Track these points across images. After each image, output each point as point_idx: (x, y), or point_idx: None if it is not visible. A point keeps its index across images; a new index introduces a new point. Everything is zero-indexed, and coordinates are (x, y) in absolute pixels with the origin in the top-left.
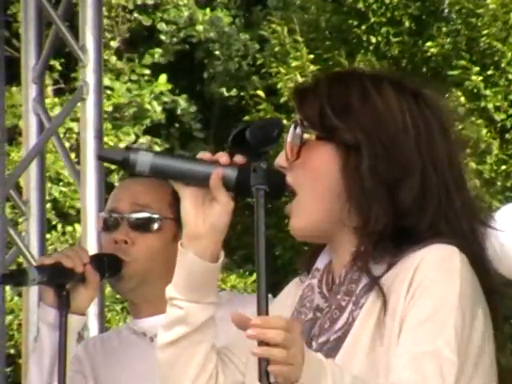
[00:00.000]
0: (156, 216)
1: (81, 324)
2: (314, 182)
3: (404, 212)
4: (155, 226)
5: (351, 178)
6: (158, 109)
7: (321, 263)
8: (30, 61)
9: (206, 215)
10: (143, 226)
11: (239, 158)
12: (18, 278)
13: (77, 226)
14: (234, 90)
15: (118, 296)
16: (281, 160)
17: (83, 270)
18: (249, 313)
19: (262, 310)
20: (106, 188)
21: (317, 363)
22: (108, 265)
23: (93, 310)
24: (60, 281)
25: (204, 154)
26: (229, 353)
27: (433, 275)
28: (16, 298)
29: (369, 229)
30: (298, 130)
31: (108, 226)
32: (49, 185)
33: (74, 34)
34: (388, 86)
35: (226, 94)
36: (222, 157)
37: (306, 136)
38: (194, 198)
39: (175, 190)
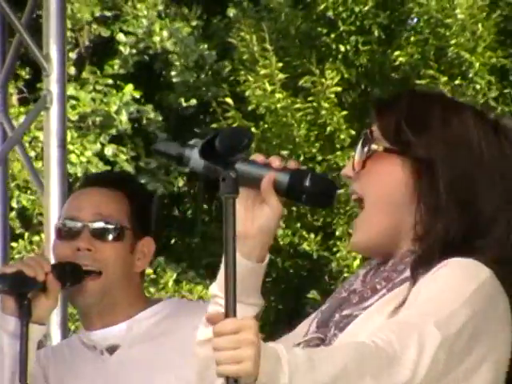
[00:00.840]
0: (118, 226)
1: (41, 333)
2: (379, 191)
3: (470, 232)
4: (117, 235)
5: (425, 194)
6: (124, 118)
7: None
8: None
9: (255, 217)
10: (105, 234)
11: (292, 164)
12: None
13: (44, 236)
14: (193, 99)
15: None
16: (347, 170)
17: (44, 279)
18: (195, 323)
19: (230, 314)
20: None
21: (273, 356)
22: (69, 274)
23: (55, 319)
24: (21, 290)
25: (258, 156)
26: None
27: (452, 272)
28: None
29: (432, 241)
30: (367, 141)
31: (67, 234)
32: (17, 193)
33: (37, 43)
34: (469, 114)
35: (184, 104)
36: (276, 161)
37: (373, 147)
38: (245, 199)
39: (132, 201)
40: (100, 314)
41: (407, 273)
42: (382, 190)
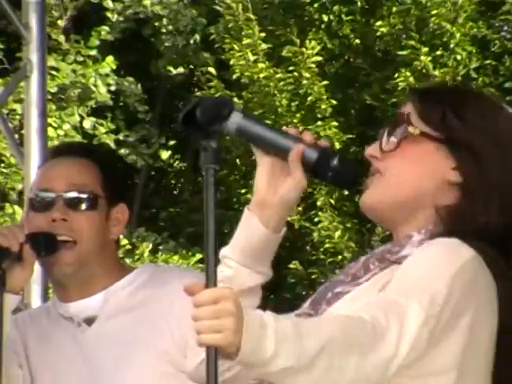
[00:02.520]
0: (91, 195)
1: (15, 302)
2: (409, 168)
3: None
4: (91, 204)
5: (467, 177)
6: (103, 90)
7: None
8: None
9: (278, 186)
10: (80, 204)
11: (324, 142)
12: None
13: (16, 207)
14: (181, 67)
15: None
16: (373, 150)
17: (19, 249)
18: (170, 294)
19: (211, 284)
20: None
21: (258, 325)
22: (44, 243)
23: (36, 288)
24: None
25: (290, 129)
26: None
27: (435, 251)
28: None
29: (466, 227)
30: (403, 123)
31: (41, 205)
32: None
33: (16, 11)
34: (507, 113)
35: (174, 71)
36: (307, 135)
37: (410, 130)
38: (271, 167)
39: (104, 169)
40: (76, 284)
41: (402, 253)
42: (413, 166)
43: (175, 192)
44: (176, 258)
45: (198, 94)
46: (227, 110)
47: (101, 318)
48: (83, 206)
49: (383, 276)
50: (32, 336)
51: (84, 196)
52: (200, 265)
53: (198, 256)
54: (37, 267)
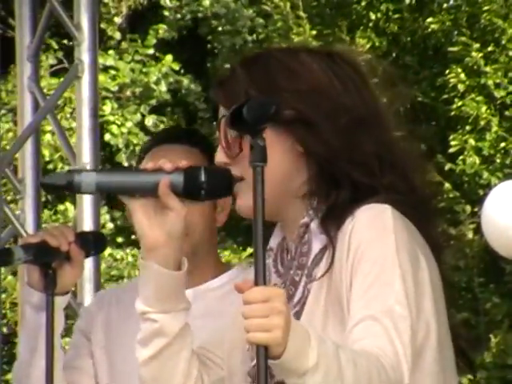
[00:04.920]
0: None
1: (65, 302)
2: (267, 169)
3: (364, 176)
4: None
5: (306, 153)
6: (164, 88)
7: (273, 242)
8: (24, 39)
9: (160, 224)
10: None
11: (183, 162)
12: (3, 257)
13: (68, 204)
14: None
15: (113, 273)
16: (221, 156)
17: (68, 249)
18: None
19: (260, 282)
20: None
21: (303, 332)
22: (93, 242)
23: (88, 287)
24: (46, 260)
25: (147, 164)
26: (206, 352)
27: (367, 236)
28: (9, 277)
29: (333, 196)
30: (232, 123)
31: None
32: (60, 165)
33: (68, 12)
34: (304, 55)
35: None
36: (166, 164)
37: (233, 134)
38: (145, 208)
39: (208, 156)
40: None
41: (313, 249)
42: (268, 165)
43: None
44: (227, 252)
45: None
46: (275, 108)
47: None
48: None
49: (319, 283)
50: (118, 309)
51: None
52: (251, 259)
53: (249, 251)
54: (89, 266)
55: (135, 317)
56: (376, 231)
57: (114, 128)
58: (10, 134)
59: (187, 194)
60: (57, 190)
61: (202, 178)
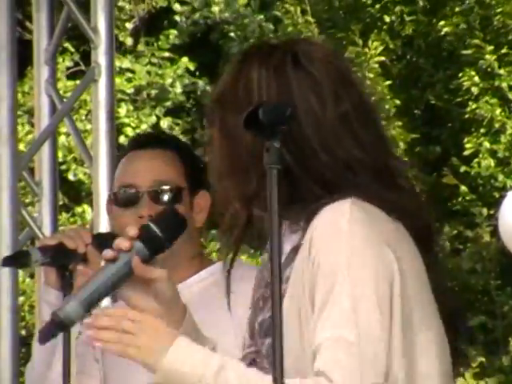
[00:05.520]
0: (175, 188)
1: None
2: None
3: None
4: (176, 197)
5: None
6: (179, 90)
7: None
8: (41, 42)
9: (156, 299)
10: (165, 199)
11: (132, 232)
12: (21, 259)
13: (86, 206)
14: None
15: None
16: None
17: (85, 251)
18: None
19: (276, 291)
20: None
21: (189, 351)
22: (110, 244)
23: None
24: (63, 262)
25: (106, 255)
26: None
27: (322, 247)
28: (28, 280)
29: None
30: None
31: (126, 200)
32: (73, 166)
33: (85, 15)
34: (254, 63)
35: None
36: (122, 243)
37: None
38: (134, 294)
39: (184, 159)
40: None
41: (285, 250)
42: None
43: None
44: (244, 257)
45: None
46: (290, 110)
47: None
48: (169, 201)
49: (292, 286)
50: None
51: (169, 190)
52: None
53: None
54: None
55: None
56: (330, 239)
57: (128, 130)
58: (30, 137)
59: (154, 253)
60: (52, 334)
61: (157, 231)
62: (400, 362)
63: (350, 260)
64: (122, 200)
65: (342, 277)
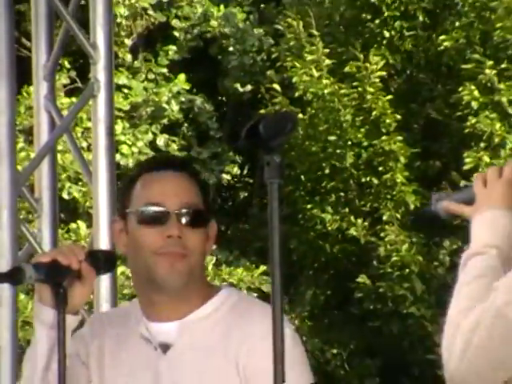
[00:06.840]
0: (200, 212)
1: (75, 323)
2: None
3: None
4: (201, 222)
5: None
6: (176, 108)
7: None
8: (40, 58)
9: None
10: (192, 222)
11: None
12: (14, 276)
13: (80, 222)
14: (249, 85)
15: (125, 292)
16: None
17: (79, 267)
18: (250, 332)
19: (277, 306)
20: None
21: None
22: (103, 261)
23: (106, 306)
24: (57, 278)
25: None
26: None
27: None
28: (22, 296)
29: None
30: None
31: (153, 219)
32: (68, 184)
33: (84, 31)
34: None
35: (241, 89)
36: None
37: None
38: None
39: (201, 185)
40: (176, 301)
41: None
42: None
43: (241, 206)
44: (240, 270)
45: (263, 111)
46: (291, 124)
47: (176, 348)
48: (195, 224)
49: None
50: (110, 337)
51: (195, 214)
52: (264, 277)
53: (262, 268)
54: (106, 285)
55: (126, 346)
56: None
57: (124, 148)
58: (23, 154)
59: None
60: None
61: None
62: None
63: None
64: (149, 218)
65: None
